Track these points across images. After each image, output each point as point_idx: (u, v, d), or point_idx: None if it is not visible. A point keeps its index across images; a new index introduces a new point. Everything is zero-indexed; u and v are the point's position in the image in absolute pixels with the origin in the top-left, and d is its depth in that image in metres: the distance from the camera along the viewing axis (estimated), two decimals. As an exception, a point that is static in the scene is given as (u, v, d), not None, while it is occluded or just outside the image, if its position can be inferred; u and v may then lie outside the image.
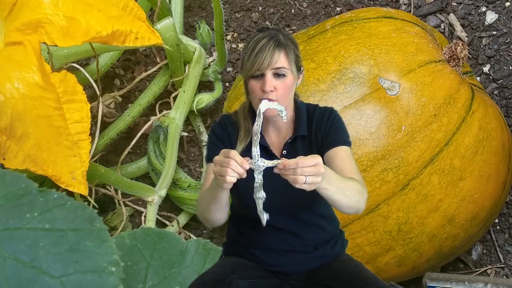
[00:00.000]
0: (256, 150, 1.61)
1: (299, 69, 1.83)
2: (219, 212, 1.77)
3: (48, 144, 2.04)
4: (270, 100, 1.74)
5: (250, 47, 1.78)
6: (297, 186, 1.57)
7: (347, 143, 1.83)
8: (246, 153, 1.80)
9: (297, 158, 1.57)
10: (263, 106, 1.66)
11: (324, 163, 1.64)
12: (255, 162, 1.61)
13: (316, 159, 1.57)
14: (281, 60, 1.76)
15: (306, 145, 1.84)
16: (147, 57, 3.18)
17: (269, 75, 1.76)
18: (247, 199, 1.71)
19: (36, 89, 2.03)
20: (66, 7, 2.08)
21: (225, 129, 1.87)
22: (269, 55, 1.75)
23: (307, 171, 1.55)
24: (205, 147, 2.91)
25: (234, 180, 1.59)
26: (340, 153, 1.79)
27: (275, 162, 1.61)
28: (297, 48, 1.82)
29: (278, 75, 1.76)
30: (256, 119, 1.64)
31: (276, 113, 1.75)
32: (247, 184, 1.65)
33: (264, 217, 1.66)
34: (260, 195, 1.65)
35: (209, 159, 1.85)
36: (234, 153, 1.58)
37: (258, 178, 1.62)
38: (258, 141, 1.61)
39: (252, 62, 1.76)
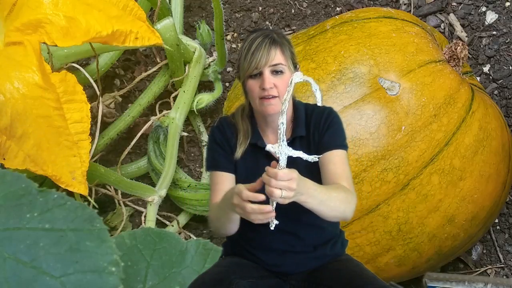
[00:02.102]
0: (282, 129, 1.58)
1: (295, 66, 1.83)
2: (236, 225, 1.77)
3: (48, 144, 2.04)
4: (271, 97, 1.74)
5: (245, 47, 1.78)
6: (273, 199, 1.57)
7: (343, 146, 1.82)
8: (246, 155, 1.80)
9: (275, 169, 1.56)
10: (296, 77, 1.63)
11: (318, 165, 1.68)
12: (279, 146, 1.58)
13: (291, 174, 1.56)
14: (277, 56, 1.76)
15: (304, 146, 1.83)
16: (147, 57, 3.17)
17: (267, 72, 1.75)
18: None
19: (36, 89, 2.02)
20: (66, 7, 2.08)
21: (224, 133, 1.86)
22: (265, 52, 1.75)
23: (281, 185, 1.55)
24: (205, 150, 2.91)
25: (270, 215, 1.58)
26: (334, 158, 1.79)
27: (299, 153, 1.60)
28: (291, 46, 1.82)
29: (276, 72, 1.76)
30: (285, 94, 1.61)
31: (277, 110, 1.74)
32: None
33: (273, 220, 1.65)
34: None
35: (211, 167, 1.85)
36: (247, 195, 1.57)
37: (282, 164, 1.58)
38: (285, 122, 1.59)
39: (249, 61, 1.75)
